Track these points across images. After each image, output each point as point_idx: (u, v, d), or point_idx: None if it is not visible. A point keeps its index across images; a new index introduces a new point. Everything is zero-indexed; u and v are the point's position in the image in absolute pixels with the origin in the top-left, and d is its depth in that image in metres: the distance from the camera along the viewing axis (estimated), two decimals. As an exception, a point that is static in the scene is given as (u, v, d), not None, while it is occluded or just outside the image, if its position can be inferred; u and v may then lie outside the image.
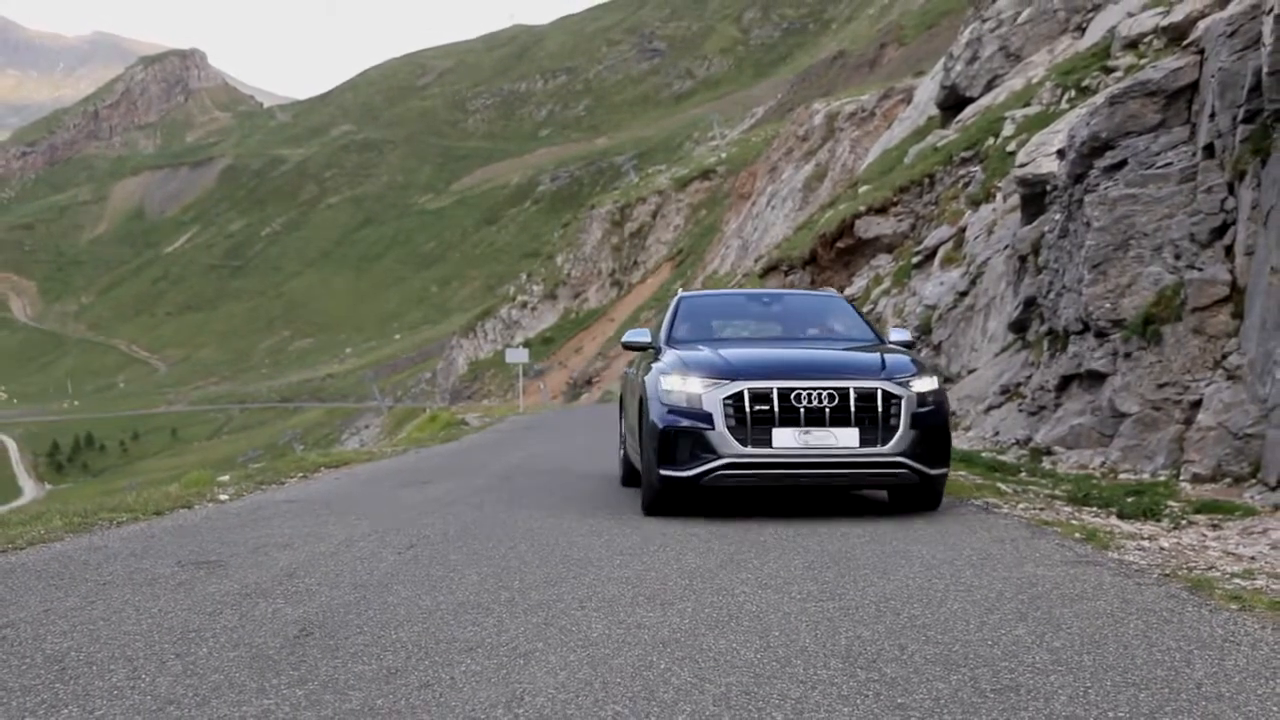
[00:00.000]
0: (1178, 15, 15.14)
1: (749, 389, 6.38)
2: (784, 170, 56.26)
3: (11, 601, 4.25)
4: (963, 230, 19.86)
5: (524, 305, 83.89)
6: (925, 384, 6.69)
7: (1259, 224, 8.29)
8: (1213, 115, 9.12)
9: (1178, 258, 9.39)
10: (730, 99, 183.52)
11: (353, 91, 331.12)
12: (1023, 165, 14.92)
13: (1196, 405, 8.71)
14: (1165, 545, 5.66)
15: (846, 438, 6.35)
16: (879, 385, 6.47)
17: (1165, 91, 9.95)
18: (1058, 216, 12.00)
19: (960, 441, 13.09)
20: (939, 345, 17.75)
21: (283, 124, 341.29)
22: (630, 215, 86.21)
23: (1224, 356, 8.69)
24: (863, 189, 30.96)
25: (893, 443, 6.39)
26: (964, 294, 17.38)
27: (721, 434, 6.36)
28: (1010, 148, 19.58)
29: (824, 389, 6.37)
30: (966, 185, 22.24)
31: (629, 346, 8.14)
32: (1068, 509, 7.26)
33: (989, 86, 28.34)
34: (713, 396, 6.42)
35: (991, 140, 22.43)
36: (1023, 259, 13.83)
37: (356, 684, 3.09)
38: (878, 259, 25.52)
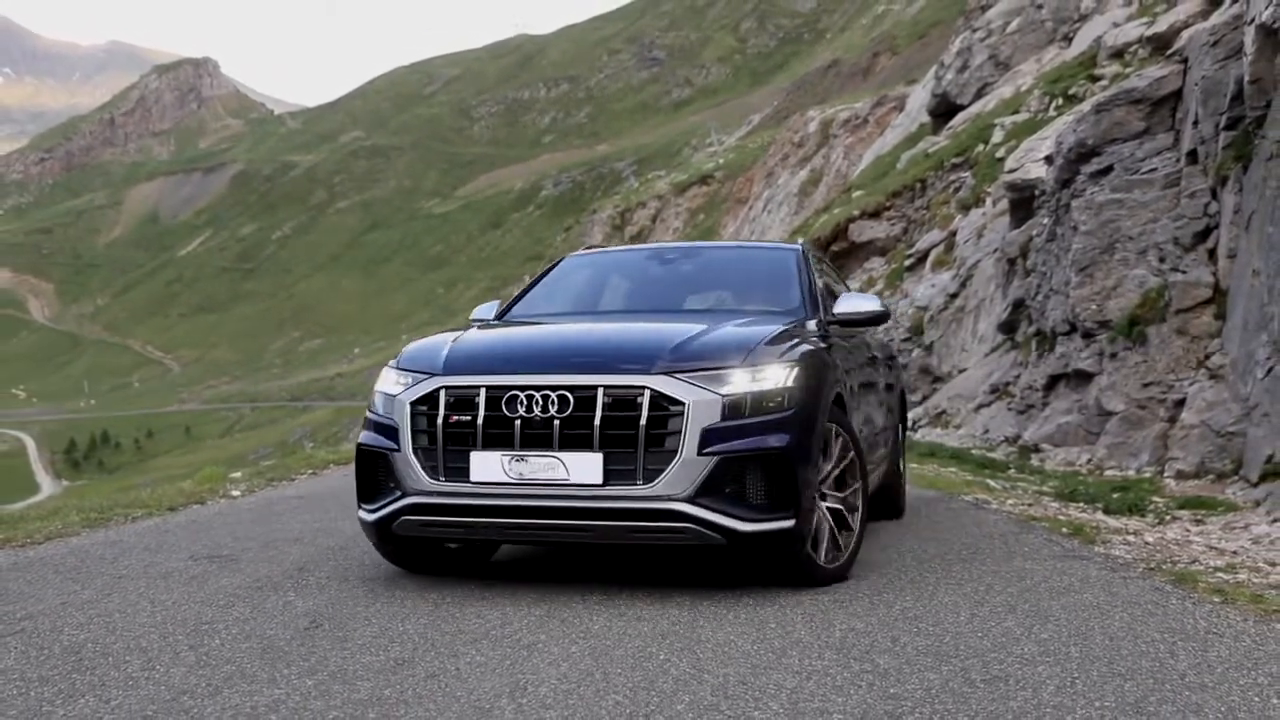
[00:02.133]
0: (1162, 25, 15.15)
1: (446, 388, 4.14)
2: (780, 175, 56.28)
3: (30, 595, 4.25)
4: (953, 234, 19.87)
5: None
6: (757, 381, 4.05)
7: (1241, 228, 8.29)
8: (1196, 122, 9.12)
9: (1162, 261, 9.40)
10: (728, 106, 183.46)
11: (361, 99, 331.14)
12: (1012, 171, 14.93)
13: (1180, 404, 8.71)
14: (1150, 540, 5.66)
15: (582, 468, 3.91)
16: (647, 383, 3.95)
17: (1150, 99, 9.95)
18: (1046, 221, 12.00)
19: (950, 439, 13.10)
20: (930, 345, 17.76)
21: (293, 130, 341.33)
22: (630, 219, 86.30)
23: (1207, 356, 8.69)
24: (856, 194, 30.96)
25: (665, 479, 3.87)
26: (954, 296, 17.38)
27: (406, 458, 4.16)
28: (999, 154, 19.59)
29: (554, 389, 3.99)
30: (957, 190, 22.25)
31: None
32: (1055, 505, 7.26)
33: (979, 94, 28.36)
34: (402, 401, 4.25)
35: (981, 146, 22.44)
36: (1011, 262, 13.83)
37: (365, 674, 3.09)
38: (871, 262, 25.52)
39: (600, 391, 3.96)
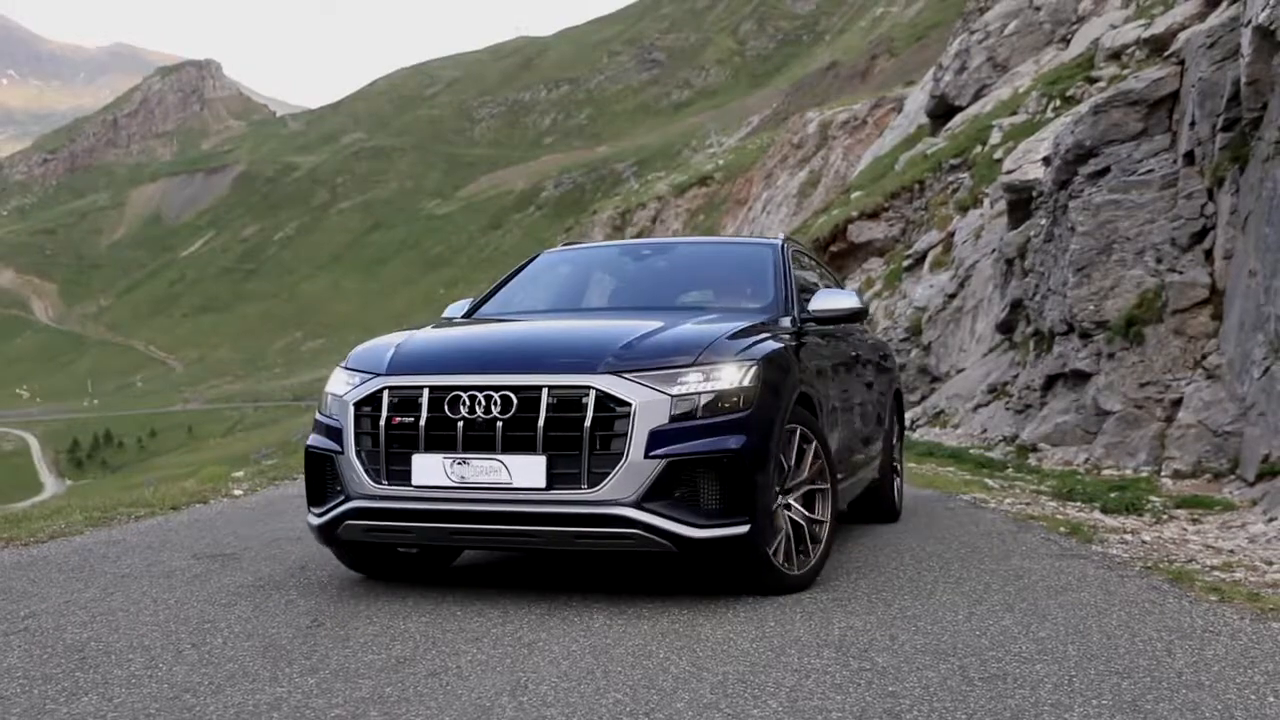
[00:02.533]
0: (1159, 27, 15.14)
1: (390, 388, 4.01)
2: (779, 177, 56.29)
3: (34, 593, 4.25)
4: (951, 235, 19.86)
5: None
6: (710, 381, 3.87)
7: (1237, 229, 8.29)
8: (1193, 124, 9.12)
9: (1159, 261, 9.39)
10: (727, 108, 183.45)
11: (363, 100, 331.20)
12: (1009, 172, 14.93)
13: (1177, 404, 8.71)
14: (1147, 539, 5.66)
15: (525, 471, 3.76)
16: (592, 383, 3.79)
17: (1147, 101, 9.95)
18: (1043, 221, 12.00)
19: (949, 439, 13.10)
20: (928, 346, 17.76)
21: (295, 132, 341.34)
22: (631, 220, 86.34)
23: (1204, 356, 8.69)
24: (855, 195, 30.95)
25: (610, 483, 3.72)
26: (953, 296, 17.38)
27: (349, 460, 4.03)
28: (997, 155, 19.58)
29: (497, 389, 3.83)
30: (955, 191, 22.24)
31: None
32: (1053, 504, 7.26)
33: (977, 96, 28.35)
34: (346, 402, 4.12)
35: (979, 148, 22.42)
36: (1009, 262, 13.83)
37: (367, 672, 3.09)
38: (870, 262, 25.51)
39: (545, 392, 3.79)
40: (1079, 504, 7.18)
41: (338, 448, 4.09)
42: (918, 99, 38.03)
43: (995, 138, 21.38)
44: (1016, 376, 12.59)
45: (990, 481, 8.65)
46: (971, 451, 11.29)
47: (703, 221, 77.41)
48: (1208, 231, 9.02)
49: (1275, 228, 7.20)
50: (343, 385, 4.21)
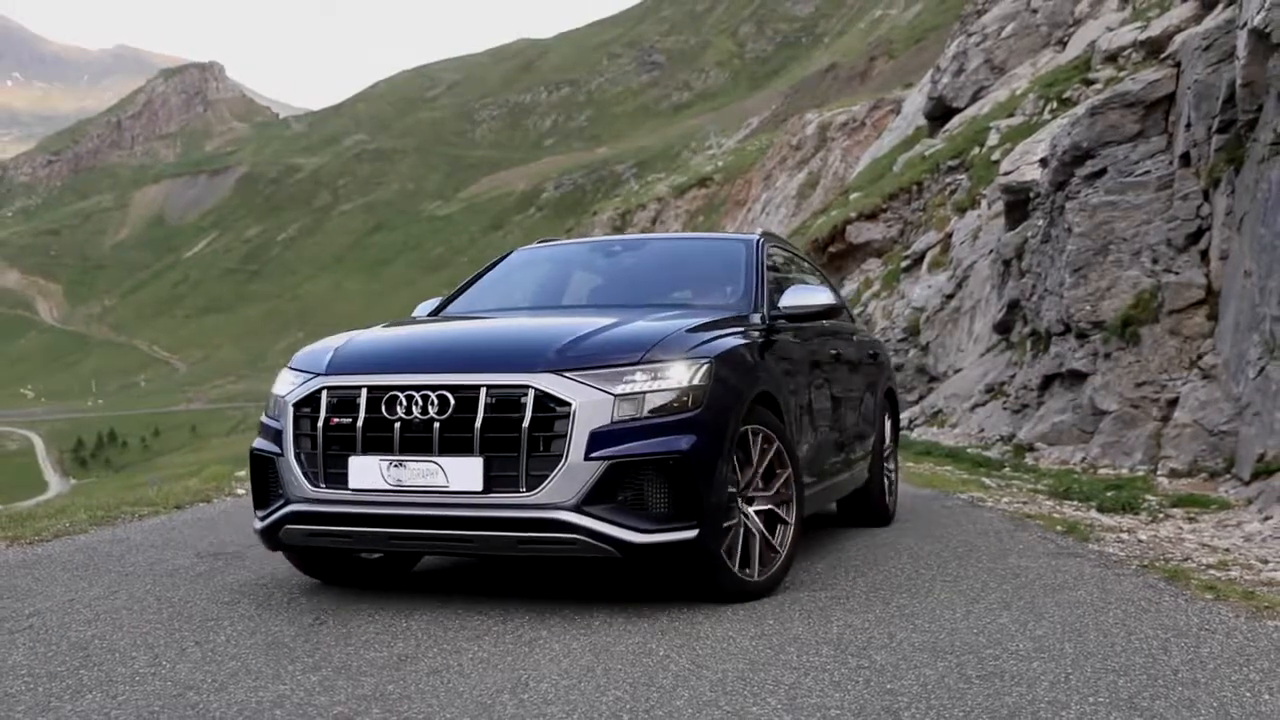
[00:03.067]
0: (1155, 30, 15.14)
1: (328, 388, 3.86)
2: (778, 178, 56.30)
3: (38, 591, 4.25)
4: (949, 236, 19.86)
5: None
6: (657, 380, 3.70)
7: (1233, 229, 8.30)
8: (1189, 125, 9.12)
9: (1155, 262, 9.40)
10: (726, 110, 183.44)
11: (365, 102, 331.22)
12: (1007, 173, 14.93)
13: (1173, 403, 8.71)
14: (1143, 538, 5.66)
15: (462, 474, 3.60)
16: (530, 382, 3.62)
17: (1143, 103, 9.95)
18: (1040, 222, 12.00)
19: (946, 438, 13.10)
20: (926, 346, 17.77)
21: (298, 134, 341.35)
22: (631, 221, 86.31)
23: (1199, 357, 8.69)
24: (854, 196, 30.95)
25: (549, 486, 3.55)
26: (950, 297, 17.39)
27: (289, 462, 3.89)
28: (995, 156, 19.58)
29: (434, 389, 3.68)
30: (953, 192, 22.24)
31: None
32: (1050, 503, 7.26)
33: (974, 98, 28.35)
34: (286, 403, 3.97)
35: (977, 149, 22.42)
36: (1007, 263, 13.83)
37: (369, 670, 3.09)
38: (868, 263, 25.52)
39: (483, 391, 3.62)
40: (1075, 503, 7.18)
41: (278, 450, 3.94)
42: (916, 101, 38.04)
43: (993, 139, 21.38)
44: (1014, 376, 12.60)
45: (987, 480, 8.65)
46: (969, 451, 11.29)
47: (702, 222, 77.40)
48: (1203, 232, 9.03)
49: (1270, 229, 7.21)
50: (285, 386, 4.05)
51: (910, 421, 15.56)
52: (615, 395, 3.62)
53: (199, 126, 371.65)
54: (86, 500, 7.53)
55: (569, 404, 3.57)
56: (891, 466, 6.41)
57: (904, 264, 21.74)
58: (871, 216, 26.09)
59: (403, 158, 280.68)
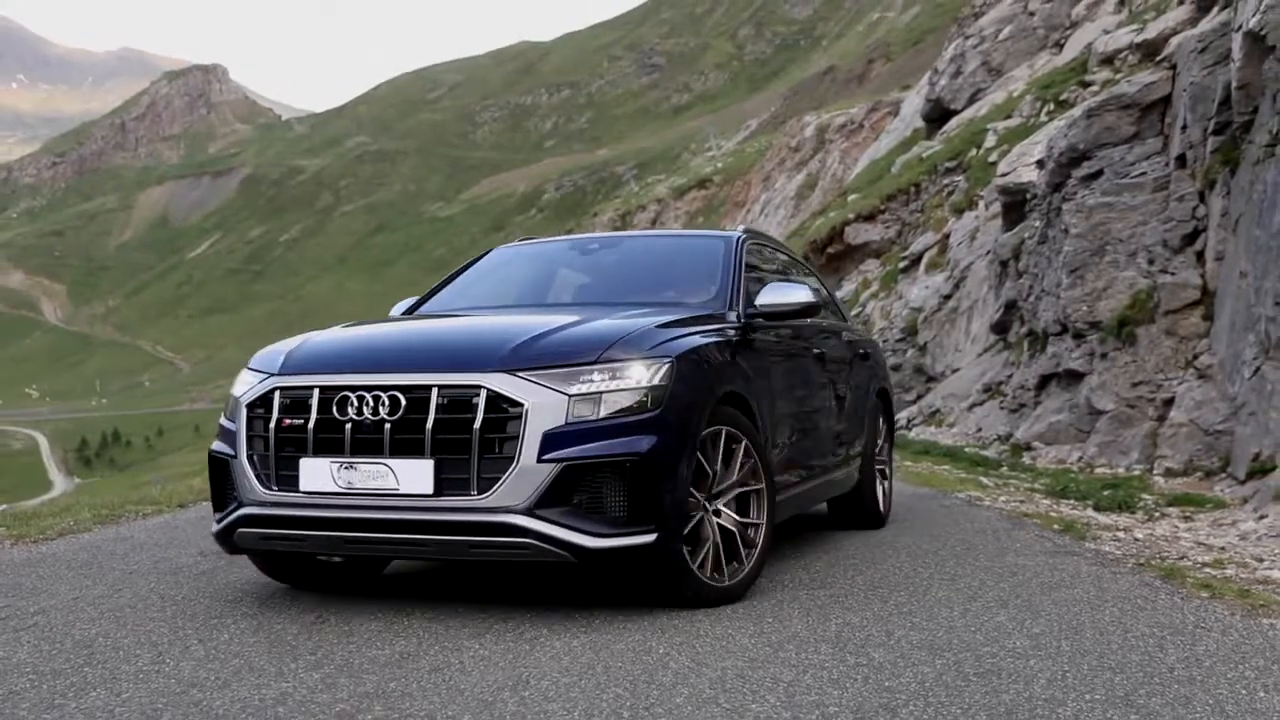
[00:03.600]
0: (1151, 32, 15.14)
1: (281, 389, 3.76)
2: (777, 179, 56.30)
3: (43, 590, 4.25)
4: (947, 236, 19.86)
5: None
6: (615, 379, 3.58)
7: (1228, 230, 8.30)
8: (1184, 127, 9.12)
9: (1151, 263, 9.40)
10: (726, 112, 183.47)
11: (367, 104, 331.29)
12: (1004, 175, 14.94)
13: (1169, 403, 8.71)
14: (1139, 536, 5.66)
15: (413, 476, 3.49)
16: (482, 382, 3.51)
17: (1139, 105, 9.95)
18: (1037, 224, 12.00)
19: (944, 437, 13.10)
20: (924, 346, 17.77)
21: (300, 135, 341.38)
22: (631, 222, 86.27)
23: (1195, 357, 8.69)
24: (852, 197, 30.95)
25: (500, 489, 3.43)
26: (948, 297, 17.39)
27: (241, 465, 3.79)
28: (992, 158, 19.58)
29: (385, 389, 3.57)
30: (950, 194, 22.24)
31: None
32: (1047, 502, 7.26)
33: (972, 100, 28.36)
34: (240, 403, 3.88)
35: (974, 151, 22.43)
36: (1004, 264, 13.83)
37: (371, 668, 3.09)
38: (866, 264, 25.52)
39: (434, 392, 3.50)
40: (1072, 502, 7.18)
41: (232, 452, 3.83)
42: (914, 103, 38.04)
43: (990, 141, 21.38)
44: (1011, 376, 12.60)
45: (985, 480, 8.65)
46: (967, 450, 11.29)
47: (702, 224, 77.43)
48: (1199, 233, 9.03)
49: (1265, 230, 7.21)
50: (242, 386, 3.94)
51: (909, 421, 15.56)
52: (570, 395, 3.49)
53: (202, 128, 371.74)
54: (91, 499, 7.54)
55: (521, 405, 3.46)
56: (885, 468, 6.24)
57: (902, 265, 21.74)
58: (870, 218, 26.09)
59: (404, 159, 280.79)
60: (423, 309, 5.16)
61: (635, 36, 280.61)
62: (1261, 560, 4.98)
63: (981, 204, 18.18)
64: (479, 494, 3.44)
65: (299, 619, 3.70)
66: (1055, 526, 5.88)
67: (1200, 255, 9.00)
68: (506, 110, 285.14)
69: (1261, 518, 6.13)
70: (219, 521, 3.90)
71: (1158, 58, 11.82)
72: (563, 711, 2.69)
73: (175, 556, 5.00)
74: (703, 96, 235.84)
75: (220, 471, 3.93)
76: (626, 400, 3.54)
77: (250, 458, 3.76)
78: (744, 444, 3.96)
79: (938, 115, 30.02)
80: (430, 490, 3.46)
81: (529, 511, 3.42)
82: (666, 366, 3.65)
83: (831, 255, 26.14)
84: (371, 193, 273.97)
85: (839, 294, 23.84)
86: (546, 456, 3.42)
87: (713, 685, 2.89)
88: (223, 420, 4.00)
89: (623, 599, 3.97)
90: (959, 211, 20.06)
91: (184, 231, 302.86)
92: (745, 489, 3.98)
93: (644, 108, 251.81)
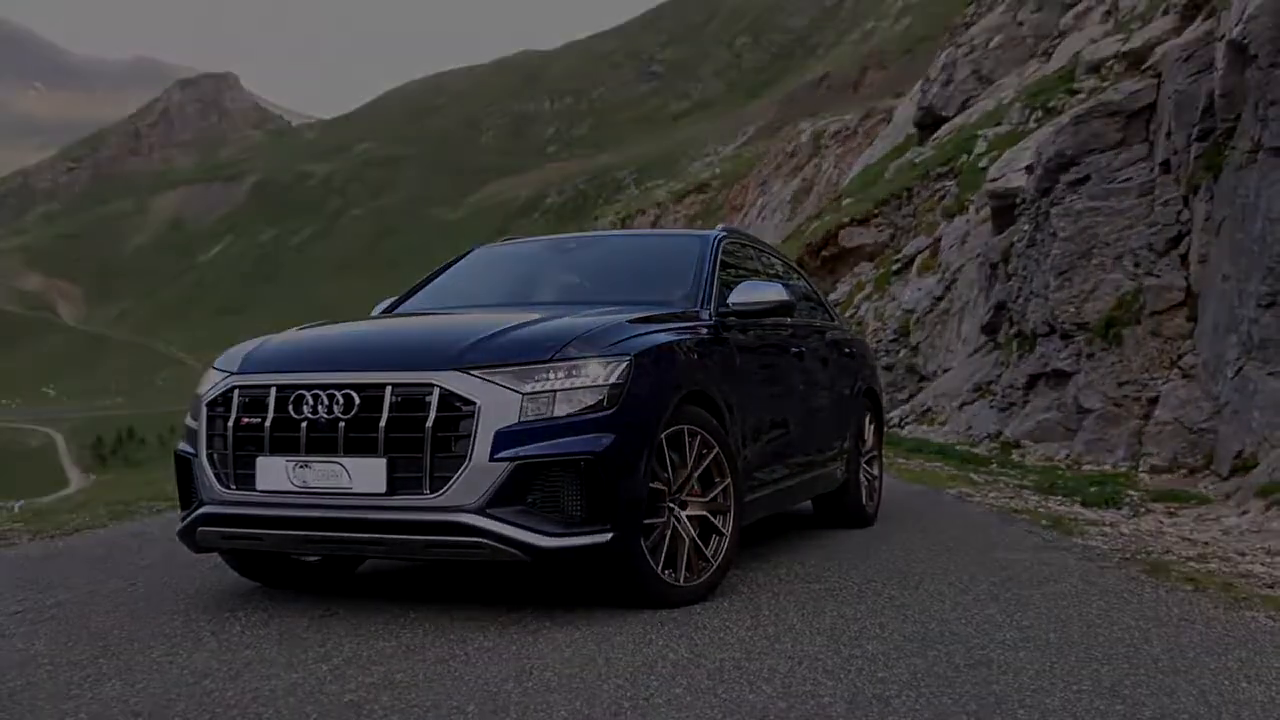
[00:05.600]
0: (1137, 41, 15.14)
1: (239, 388, 3.69)
2: (773, 184, 56.29)
3: (60, 583, 4.25)
4: (938, 240, 19.86)
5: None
6: (571, 377, 3.47)
7: (1212, 234, 8.30)
8: (1169, 134, 9.12)
9: (1137, 265, 9.40)
10: (724, 118, 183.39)
11: (374, 111, 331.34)
12: (994, 180, 14.93)
13: (1154, 402, 8.71)
14: (1125, 531, 5.66)
15: (366, 475, 3.41)
16: (435, 380, 3.42)
17: (1125, 112, 9.96)
18: (1026, 227, 12.00)
19: (936, 435, 13.10)
20: (916, 346, 17.77)
21: (309, 141, 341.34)
22: (631, 225, 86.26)
23: (1180, 357, 8.69)
24: (846, 202, 30.95)
25: (452, 488, 3.35)
26: (939, 299, 17.39)
27: (201, 464, 3.73)
28: (982, 164, 19.59)
29: (339, 387, 3.49)
30: (942, 198, 22.25)
31: None
32: (1035, 498, 7.26)
33: (963, 107, 28.37)
34: (200, 403, 3.82)
35: (965, 157, 22.43)
36: (994, 267, 13.83)
37: (378, 659, 3.09)
38: (860, 267, 25.52)
39: (388, 390, 3.42)
40: (1060, 498, 7.19)
41: (194, 451, 3.78)
42: (906, 110, 38.04)
43: (980, 147, 21.39)
44: (1000, 376, 12.60)
45: (975, 476, 8.64)
46: (958, 448, 11.29)
47: (700, 227, 77.41)
48: (1183, 237, 9.03)
49: (1248, 233, 7.21)
50: (204, 385, 3.86)
51: (901, 419, 15.56)
52: (523, 394, 3.39)
53: (215, 135, 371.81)
54: (106, 495, 7.53)
55: (474, 403, 3.36)
56: (873, 468, 6.04)
57: (895, 267, 21.75)
58: (863, 222, 26.10)
59: (411, 165, 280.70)
60: (400, 309, 5.07)
61: (635, 45, 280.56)
62: (1244, 554, 4.98)
63: (972, 208, 18.19)
64: (432, 493, 3.35)
65: (308, 612, 3.70)
66: (1044, 522, 5.88)
67: (1184, 258, 9.00)
68: (510, 117, 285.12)
69: (1244, 513, 6.14)
70: (182, 520, 3.83)
71: (1143, 66, 11.82)
72: (564, 701, 2.69)
73: (188, 551, 4.98)
74: (701, 103, 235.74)
75: (184, 470, 3.86)
76: (582, 398, 3.44)
77: (210, 456, 3.69)
78: (708, 441, 3.83)
79: (930, 122, 30.02)
80: (383, 489, 3.39)
81: (481, 510, 3.33)
82: (624, 364, 3.53)
83: (826, 258, 26.14)
84: (379, 197, 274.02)
85: (833, 296, 23.84)
86: (499, 455, 3.33)
87: (710, 676, 2.89)
88: (187, 419, 3.93)
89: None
90: (950, 216, 20.06)
91: (197, 235, 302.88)
92: (711, 488, 3.85)
93: (644, 114, 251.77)
